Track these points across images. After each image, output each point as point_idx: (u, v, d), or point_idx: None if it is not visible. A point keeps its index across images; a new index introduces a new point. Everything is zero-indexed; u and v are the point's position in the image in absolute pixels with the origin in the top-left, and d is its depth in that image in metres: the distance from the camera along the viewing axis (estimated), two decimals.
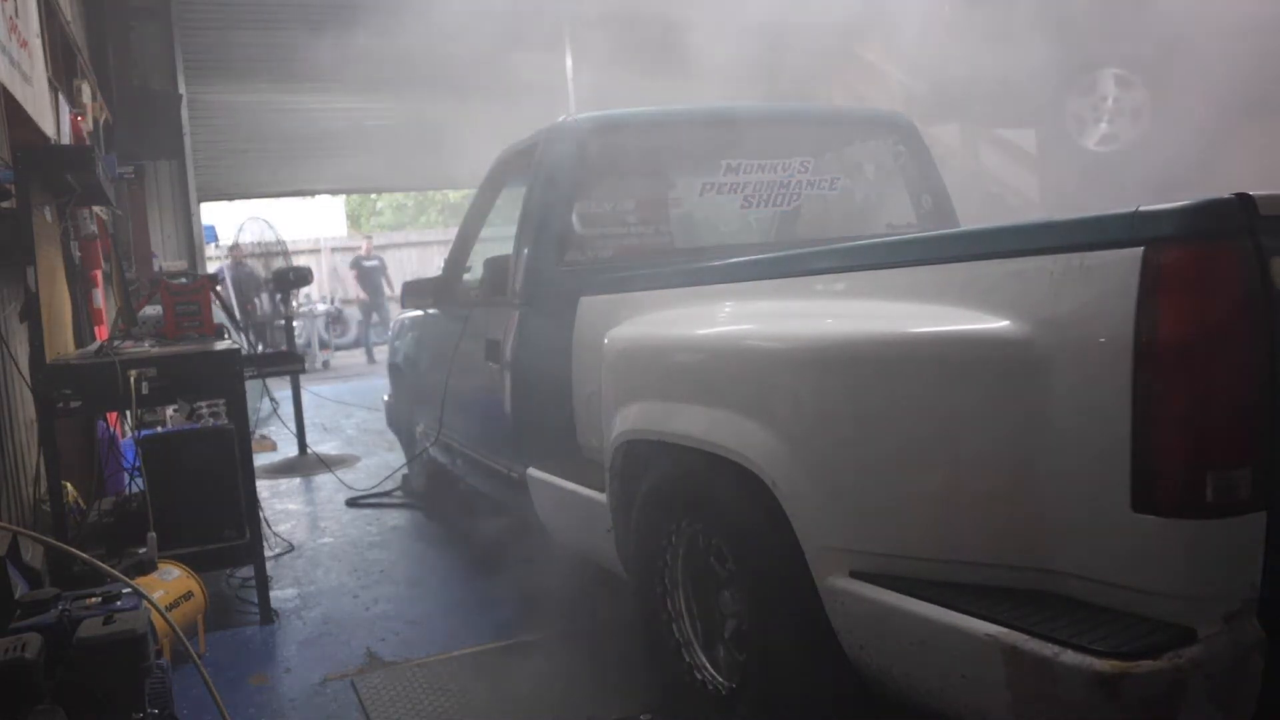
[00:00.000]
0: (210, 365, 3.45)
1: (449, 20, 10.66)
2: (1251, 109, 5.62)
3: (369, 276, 14.81)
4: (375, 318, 14.90)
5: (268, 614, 3.46)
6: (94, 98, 6.71)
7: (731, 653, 2.29)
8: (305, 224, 18.63)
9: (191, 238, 10.11)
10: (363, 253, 15.42)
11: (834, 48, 9.67)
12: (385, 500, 5.25)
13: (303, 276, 6.82)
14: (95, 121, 6.66)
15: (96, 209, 5.33)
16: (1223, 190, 1.43)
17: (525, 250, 3.25)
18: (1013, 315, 1.57)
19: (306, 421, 6.54)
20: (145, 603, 2.16)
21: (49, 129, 4.42)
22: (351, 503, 5.22)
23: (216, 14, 10.05)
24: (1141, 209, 1.44)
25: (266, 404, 8.20)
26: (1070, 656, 1.41)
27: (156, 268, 8.18)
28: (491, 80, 10.55)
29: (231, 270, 12.13)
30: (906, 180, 3.83)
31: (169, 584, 3.09)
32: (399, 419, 5.38)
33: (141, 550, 3.18)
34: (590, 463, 2.97)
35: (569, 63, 11.39)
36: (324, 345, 14.59)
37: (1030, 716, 1.51)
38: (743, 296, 2.33)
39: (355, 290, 15.68)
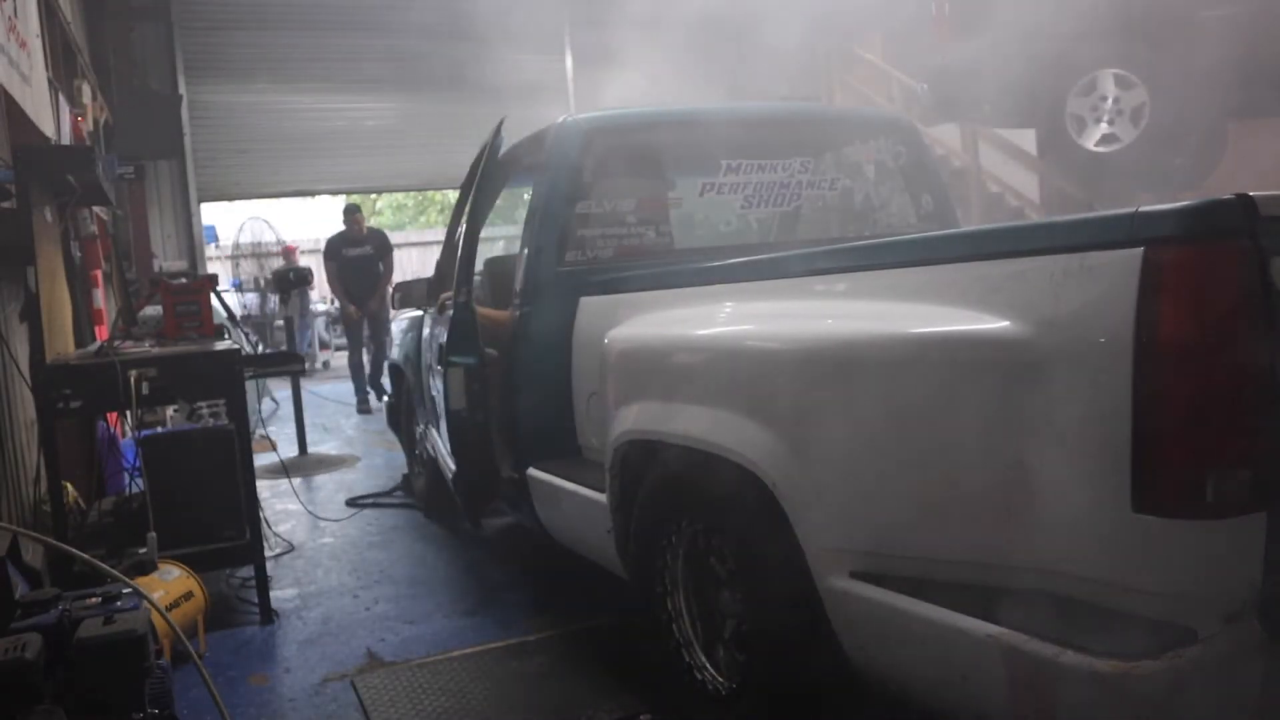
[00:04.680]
0: (210, 365, 3.44)
1: (449, 20, 10.69)
2: (1252, 109, 5.62)
3: (353, 273, 8.49)
4: (368, 344, 8.75)
5: (268, 614, 3.46)
6: (94, 98, 6.71)
7: (731, 653, 2.29)
8: (305, 224, 18.65)
9: (191, 238, 10.12)
10: (349, 233, 8.60)
11: (835, 48, 9.67)
12: (385, 500, 5.25)
13: (303, 277, 6.82)
14: (95, 121, 6.66)
15: (96, 209, 5.33)
16: (1223, 191, 1.43)
17: (526, 250, 3.25)
18: (1013, 315, 1.57)
19: (306, 421, 6.54)
20: (145, 603, 2.16)
21: (48, 129, 4.42)
22: (351, 503, 5.22)
23: (216, 14, 10.06)
24: (1141, 209, 1.44)
25: (268, 404, 8.21)
26: (1070, 657, 1.42)
27: (156, 268, 8.18)
28: (491, 80, 10.56)
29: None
30: (907, 181, 3.83)
31: (169, 584, 3.09)
32: (399, 419, 5.39)
33: (141, 550, 3.18)
34: (590, 463, 2.97)
35: (569, 63, 11.39)
36: (324, 345, 14.56)
37: (1030, 717, 1.51)
38: (743, 297, 2.33)
39: (321, 294, 10.24)
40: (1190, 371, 1.39)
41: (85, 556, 2.28)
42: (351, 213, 8.59)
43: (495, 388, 3.48)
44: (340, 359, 13.31)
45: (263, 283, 11.92)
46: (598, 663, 2.91)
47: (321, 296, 15.11)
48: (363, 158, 10.48)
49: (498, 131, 3.60)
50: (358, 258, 8.47)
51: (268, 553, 3.93)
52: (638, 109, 3.57)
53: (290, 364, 5.01)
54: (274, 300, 11.23)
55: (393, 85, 10.42)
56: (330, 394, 9.28)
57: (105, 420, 4.51)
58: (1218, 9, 5.23)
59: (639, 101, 3.72)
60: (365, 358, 8.78)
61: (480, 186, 3.57)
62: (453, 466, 3.65)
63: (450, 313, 3.47)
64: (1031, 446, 1.53)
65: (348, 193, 10.85)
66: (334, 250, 8.61)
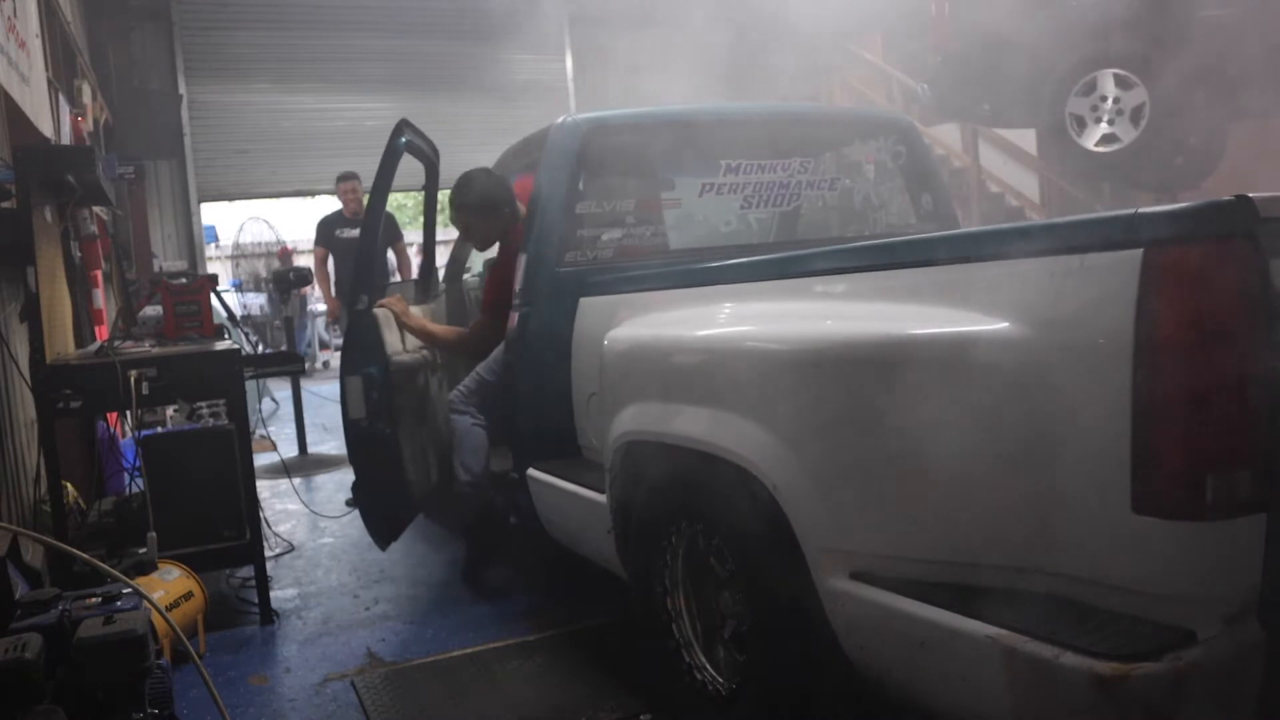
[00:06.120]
0: (210, 365, 3.44)
1: (449, 20, 10.69)
2: (1251, 109, 5.62)
3: (346, 261, 6.83)
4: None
5: (268, 614, 3.46)
6: (94, 98, 6.71)
7: (731, 653, 2.29)
8: (305, 224, 18.61)
9: (191, 238, 10.12)
10: (346, 214, 7.13)
11: (835, 48, 9.68)
12: None
13: (303, 277, 6.80)
14: (95, 121, 6.67)
15: (96, 209, 5.33)
16: (1222, 192, 1.43)
17: (525, 251, 3.25)
18: (1013, 316, 1.58)
19: (306, 421, 6.54)
20: (145, 603, 2.16)
21: (47, 130, 4.42)
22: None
23: (216, 14, 10.06)
24: (1141, 210, 1.44)
25: (268, 404, 8.19)
26: (1070, 658, 1.42)
27: (156, 268, 8.18)
28: (491, 80, 10.56)
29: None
30: (907, 180, 3.83)
31: (169, 584, 3.09)
32: None
33: (141, 550, 3.18)
34: (590, 463, 2.97)
35: (569, 63, 11.40)
36: (324, 345, 14.53)
37: (1030, 718, 1.51)
38: (743, 297, 2.33)
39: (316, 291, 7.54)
40: (1190, 372, 1.39)
41: (85, 556, 2.27)
42: (341, 181, 6.96)
43: (416, 398, 3.45)
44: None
45: (262, 283, 11.90)
46: (598, 663, 2.90)
47: (320, 295, 14.91)
48: (363, 158, 10.45)
49: (398, 132, 3.58)
50: (352, 242, 6.42)
51: (268, 553, 3.92)
52: (637, 109, 3.57)
53: (290, 364, 5.00)
54: (270, 301, 11.18)
55: (393, 85, 10.42)
56: (330, 394, 9.27)
57: (105, 420, 4.51)
58: (1218, 9, 5.23)
59: (639, 101, 3.72)
60: None
61: (378, 191, 3.53)
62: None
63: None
64: (1031, 447, 1.53)
65: None
66: (325, 232, 6.93)
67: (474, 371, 3.53)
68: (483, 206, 3.66)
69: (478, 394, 3.47)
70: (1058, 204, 7.98)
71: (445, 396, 3.80)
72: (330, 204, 8.27)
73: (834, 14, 7.48)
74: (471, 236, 3.80)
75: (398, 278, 7.34)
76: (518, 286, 3.23)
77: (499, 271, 3.60)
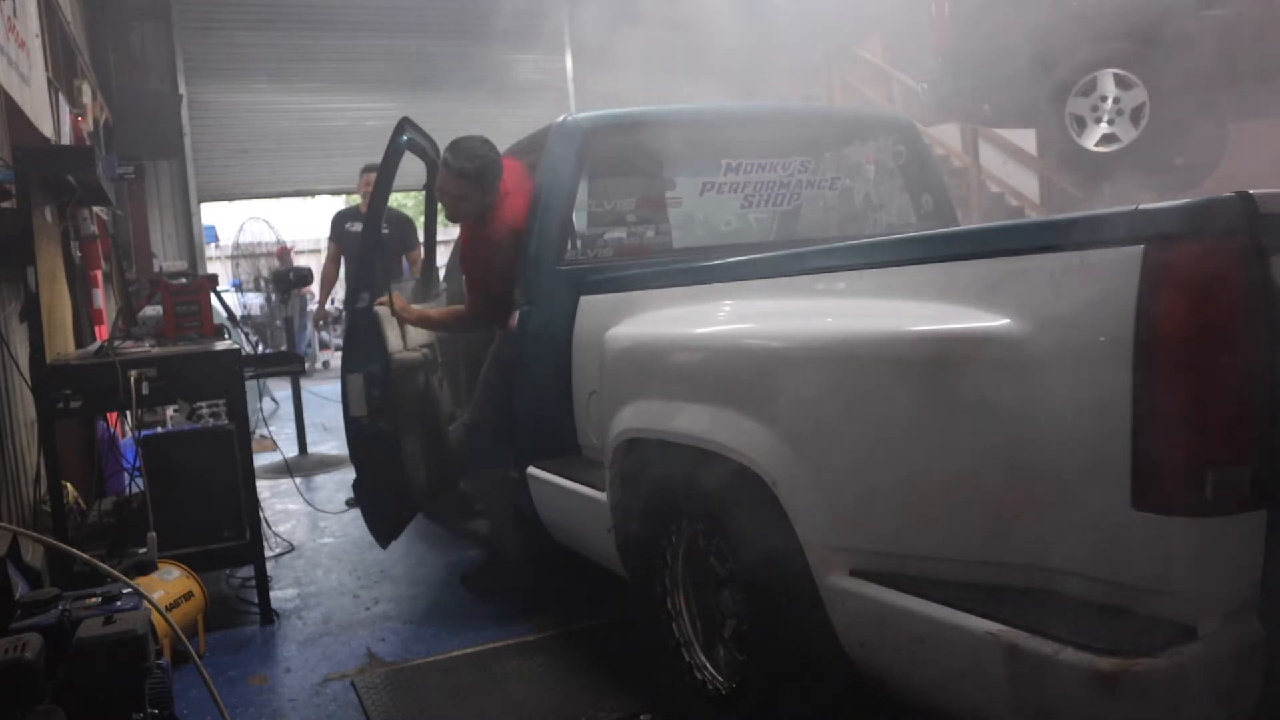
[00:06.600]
0: (210, 365, 3.44)
1: (449, 20, 10.70)
2: (1251, 109, 5.63)
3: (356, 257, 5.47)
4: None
5: (268, 614, 3.46)
6: (94, 98, 6.71)
7: (731, 653, 2.29)
8: (305, 224, 18.63)
9: (191, 238, 10.13)
10: (362, 208, 6.48)
11: (835, 48, 9.68)
12: None
13: (303, 277, 6.81)
14: (95, 121, 6.67)
15: (96, 209, 5.33)
16: (1223, 190, 1.43)
17: (525, 250, 3.25)
18: (1013, 314, 1.57)
19: (306, 421, 6.54)
20: (145, 603, 2.16)
21: (47, 130, 4.42)
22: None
23: (216, 14, 10.08)
24: (1142, 207, 1.44)
25: (268, 404, 8.18)
26: (1070, 654, 1.41)
27: (156, 268, 8.18)
28: (491, 80, 10.58)
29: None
30: (907, 181, 3.83)
31: (169, 584, 3.09)
32: None
33: (141, 550, 3.18)
34: (590, 462, 2.97)
35: (569, 63, 11.41)
36: (324, 345, 14.52)
37: (1030, 714, 1.51)
38: (743, 295, 2.33)
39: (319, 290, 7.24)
40: (1190, 369, 1.39)
41: (85, 556, 2.27)
42: (364, 173, 6.56)
43: (415, 394, 3.42)
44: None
45: (262, 283, 11.90)
46: (598, 663, 2.90)
47: (310, 294, 14.53)
48: (363, 158, 10.48)
49: (400, 131, 3.55)
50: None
51: (268, 553, 3.92)
52: (638, 109, 3.57)
53: (290, 364, 5.00)
54: (271, 299, 11.19)
55: (393, 85, 10.44)
56: (330, 394, 9.27)
57: (105, 420, 4.51)
58: (1218, 9, 5.23)
59: (639, 101, 3.72)
60: None
61: (380, 189, 3.50)
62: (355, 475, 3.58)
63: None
64: (1031, 444, 1.53)
65: (348, 193, 10.82)
66: (337, 226, 6.71)
67: (474, 400, 3.53)
68: (483, 175, 3.34)
69: (480, 411, 3.47)
70: (1058, 204, 7.99)
71: (446, 395, 3.78)
72: (330, 202, 8.30)
73: (834, 14, 7.49)
74: (458, 206, 3.43)
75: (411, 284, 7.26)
76: (518, 284, 3.23)
77: (472, 251, 3.48)
